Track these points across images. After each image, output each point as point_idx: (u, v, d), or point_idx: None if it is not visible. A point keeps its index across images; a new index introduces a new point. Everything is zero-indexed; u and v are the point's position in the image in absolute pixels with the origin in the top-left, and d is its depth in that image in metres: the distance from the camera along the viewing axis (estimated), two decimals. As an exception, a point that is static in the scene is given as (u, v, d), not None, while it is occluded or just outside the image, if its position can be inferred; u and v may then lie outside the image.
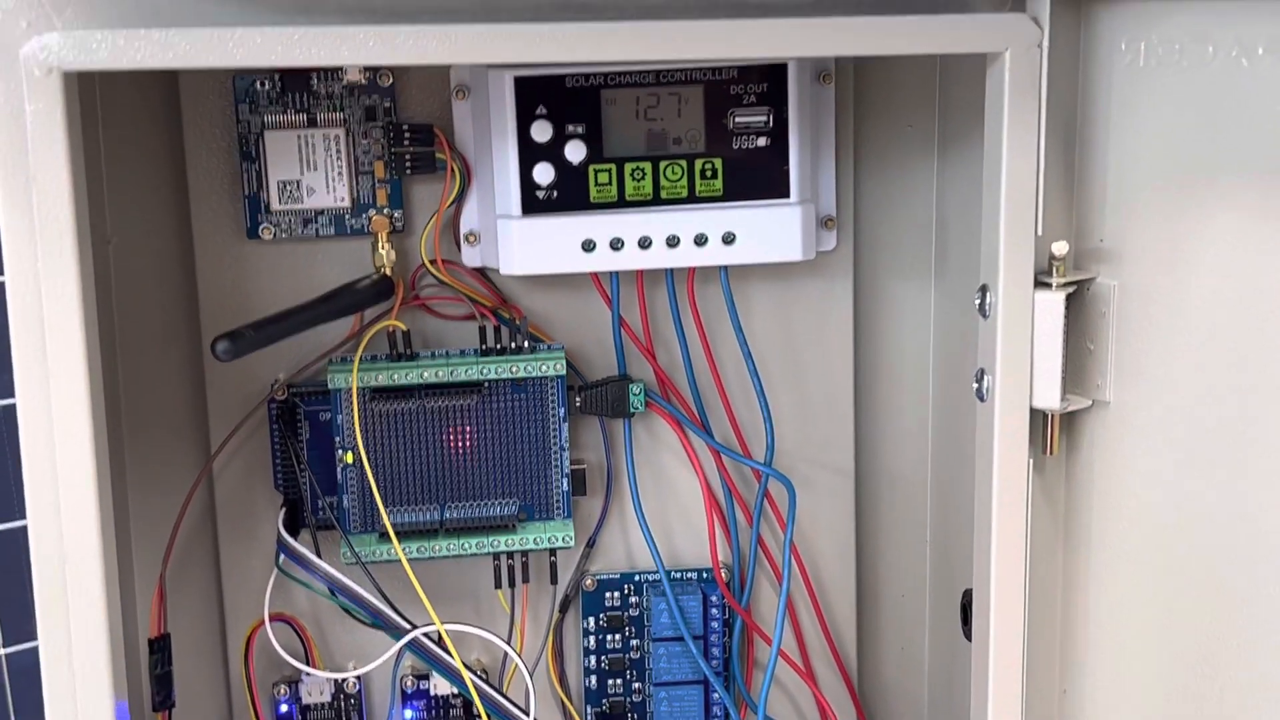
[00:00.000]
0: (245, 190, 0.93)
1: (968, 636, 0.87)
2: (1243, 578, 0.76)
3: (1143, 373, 0.78)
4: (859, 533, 1.04)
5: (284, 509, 0.94)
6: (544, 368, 0.92)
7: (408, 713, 1.00)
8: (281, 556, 0.91)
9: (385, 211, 0.94)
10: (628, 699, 1.03)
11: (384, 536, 0.92)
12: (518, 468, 0.94)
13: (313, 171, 0.93)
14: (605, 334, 0.97)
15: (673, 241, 0.90)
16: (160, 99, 0.92)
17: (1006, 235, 0.77)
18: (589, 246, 0.90)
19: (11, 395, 0.71)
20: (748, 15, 0.73)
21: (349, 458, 0.92)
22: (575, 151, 0.89)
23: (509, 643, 0.95)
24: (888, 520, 1.04)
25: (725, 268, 0.94)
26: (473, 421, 0.93)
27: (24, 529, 0.72)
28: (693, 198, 0.90)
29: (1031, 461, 0.80)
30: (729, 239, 0.91)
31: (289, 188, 0.93)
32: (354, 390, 0.90)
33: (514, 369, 0.92)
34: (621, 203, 0.90)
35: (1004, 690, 0.81)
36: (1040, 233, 0.77)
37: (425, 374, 0.91)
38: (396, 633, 0.90)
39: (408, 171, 0.93)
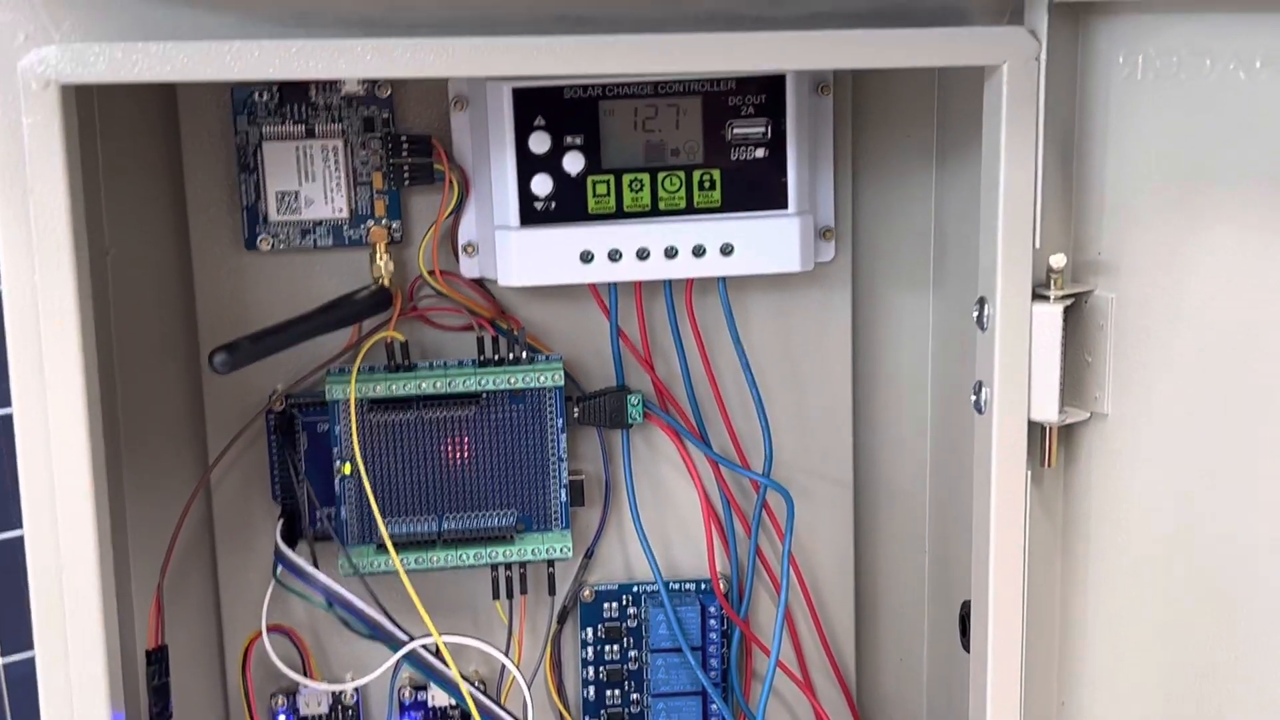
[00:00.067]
0: (243, 201, 0.93)
1: (966, 648, 0.87)
2: (1242, 590, 0.76)
3: (1141, 385, 0.78)
4: (857, 544, 1.04)
5: (281, 520, 0.94)
6: (542, 379, 0.92)
7: (405, 724, 1.00)
8: (279, 567, 0.91)
9: (383, 222, 0.94)
10: (626, 710, 1.03)
11: (382, 548, 0.92)
12: (516, 479, 0.94)
13: (311, 182, 0.93)
14: (603, 345, 0.97)
15: (671, 253, 0.91)
16: (158, 111, 0.92)
17: (1004, 247, 0.77)
18: (587, 258, 0.90)
19: (8, 405, 0.71)
20: (745, 28, 0.73)
21: (347, 469, 0.92)
22: (573, 163, 0.89)
23: (507, 654, 0.95)
24: (886, 531, 1.04)
25: (723, 279, 0.95)
26: (471, 432, 0.93)
27: (21, 539, 0.72)
28: (691, 209, 0.91)
29: (1030, 474, 0.80)
30: (727, 250, 0.91)
31: (287, 199, 0.93)
32: (352, 401, 0.90)
33: (512, 380, 0.92)
34: (620, 214, 0.90)
35: (1002, 702, 0.81)
36: (1038, 245, 0.77)
37: (423, 385, 0.91)
38: (394, 644, 0.89)
39: (406, 183, 0.93)
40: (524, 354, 0.93)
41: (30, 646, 0.73)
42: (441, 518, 0.94)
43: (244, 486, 0.97)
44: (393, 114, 0.93)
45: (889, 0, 0.75)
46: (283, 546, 0.91)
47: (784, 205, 0.91)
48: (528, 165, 0.89)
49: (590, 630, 1.02)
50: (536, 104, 0.88)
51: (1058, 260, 0.78)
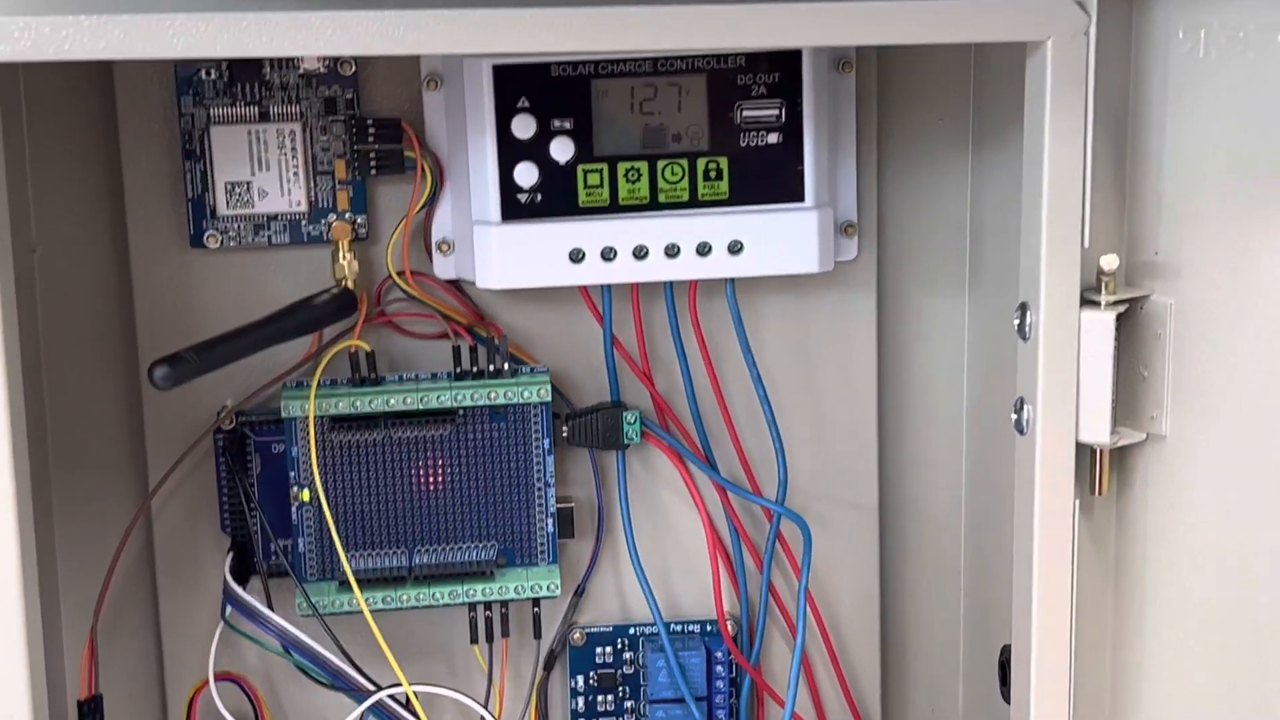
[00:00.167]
0: (188, 193, 0.93)
1: (1006, 698, 0.87)
2: (1318, 633, 0.76)
3: (1203, 402, 0.78)
4: (883, 580, 1.04)
5: (231, 554, 0.94)
6: (526, 393, 0.92)
7: (371, 784, 1.00)
8: (228, 608, 0.91)
9: (347, 217, 0.94)
10: (621, 768, 1.03)
11: (344, 585, 0.92)
12: (497, 507, 0.94)
13: (265, 172, 0.93)
14: (596, 355, 0.97)
15: (672, 251, 0.90)
16: (92, 91, 0.92)
17: (1049, 247, 0.77)
18: (577, 257, 0.90)
19: (-79, 425, 0.71)
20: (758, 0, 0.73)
21: (305, 495, 0.92)
22: (562, 149, 0.89)
23: (486, 705, 0.95)
24: (916, 566, 1.04)
25: (732, 280, 0.95)
26: (446, 454, 0.93)
27: (-64, 577, 0.72)
28: (695, 202, 0.91)
29: (1078, 503, 0.80)
30: (736, 248, 0.91)
31: (238, 190, 0.93)
32: (311, 419, 0.90)
33: (492, 395, 0.92)
34: (614, 207, 0.90)
35: (1047, 760, 0.81)
36: (1087, 244, 0.77)
37: (392, 400, 0.91)
38: (359, 694, 0.89)
39: (372, 172, 0.93)
40: (506, 365, 0.93)
41: (-54, 698, 0.73)
42: (412, 551, 0.94)
43: (189, 516, 0.96)
44: (357, 94, 0.93)
45: (919, -33, 0.75)
46: (232, 584, 0.91)
47: (800, 197, 0.91)
48: (510, 152, 0.89)
49: (581, 678, 1.02)
50: (520, 83, 0.88)
51: (1109, 261, 0.78)
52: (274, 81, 0.92)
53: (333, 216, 0.94)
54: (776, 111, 0.90)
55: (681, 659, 1.00)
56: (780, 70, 0.90)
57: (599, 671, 1.02)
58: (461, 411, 0.93)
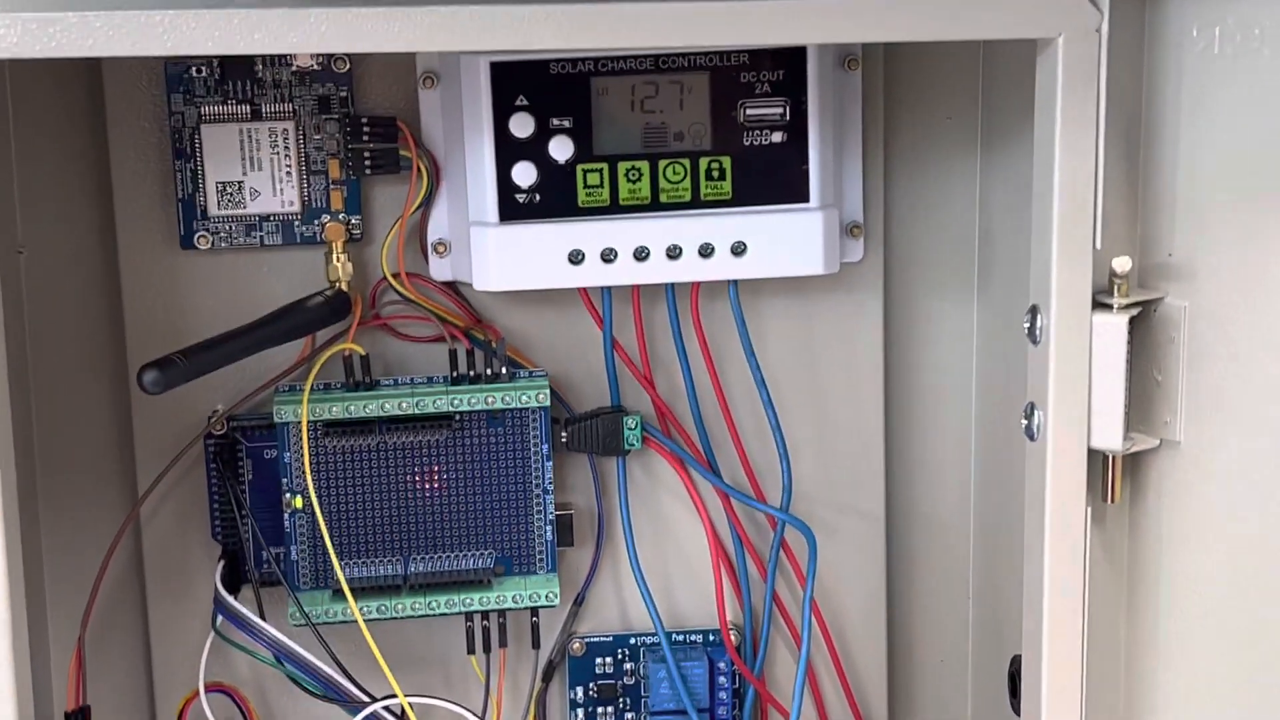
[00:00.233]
0: (179, 193, 0.93)
1: (1016, 710, 0.87)
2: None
3: (1218, 408, 0.78)
4: (890, 589, 1.04)
5: (222, 562, 0.94)
6: (525, 398, 0.92)
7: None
8: (219, 617, 0.91)
9: (341, 217, 0.94)
10: (621, 782, 1.03)
11: (338, 594, 0.92)
12: (494, 514, 0.94)
13: (257, 171, 0.93)
14: (596, 359, 0.97)
15: (674, 252, 0.91)
16: (80, 89, 0.92)
17: (1060, 248, 0.77)
18: (577, 258, 0.90)
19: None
20: (760, -6, 0.73)
21: (298, 502, 0.92)
22: (561, 149, 0.89)
23: (483, 718, 0.95)
24: (924, 575, 1.04)
25: (735, 282, 0.94)
26: (442, 460, 0.93)
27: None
28: (697, 202, 0.91)
29: (1090, 510, 0.80)
30: (739, 249, 0.91)
31: (229, 190, 0.93)
32: (304, 424, 0.90)
33: (490, 399, 0.92)
34: (615, 208, 0.90)
35: (1058, 774, 0.81)
36: (1099, 246, 0.77)
37: (387, 405, 0.91)
38: (353, 706, 0.89)
39: (367, 171, 0.93)
40: (504, 369, 0.93)
41: (-69, 710, 0.73)
42: (408, 559, 0.94)
43: (179, 523, 0.96)
44: (352, 92, 0.93)
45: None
46: (224, 593, 0.91)
47: (805, 198, 0.91)
48: (508, 152, 0.89)
49: (580, 689, 1.02)
50: (518, 80, 0.88)
51: (1122, 264, 0.78)
52: (266, 79, 0.92)
53: (326, 217, 0.94)
54: (781, 110, 0.90)
55: (683, 670, 1.00)
56: (784, 68, 0.90)
57: (599, 683, 1.02)
58: (458, 416, 0.93)
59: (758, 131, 0.90)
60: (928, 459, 1.03)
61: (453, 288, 0.96)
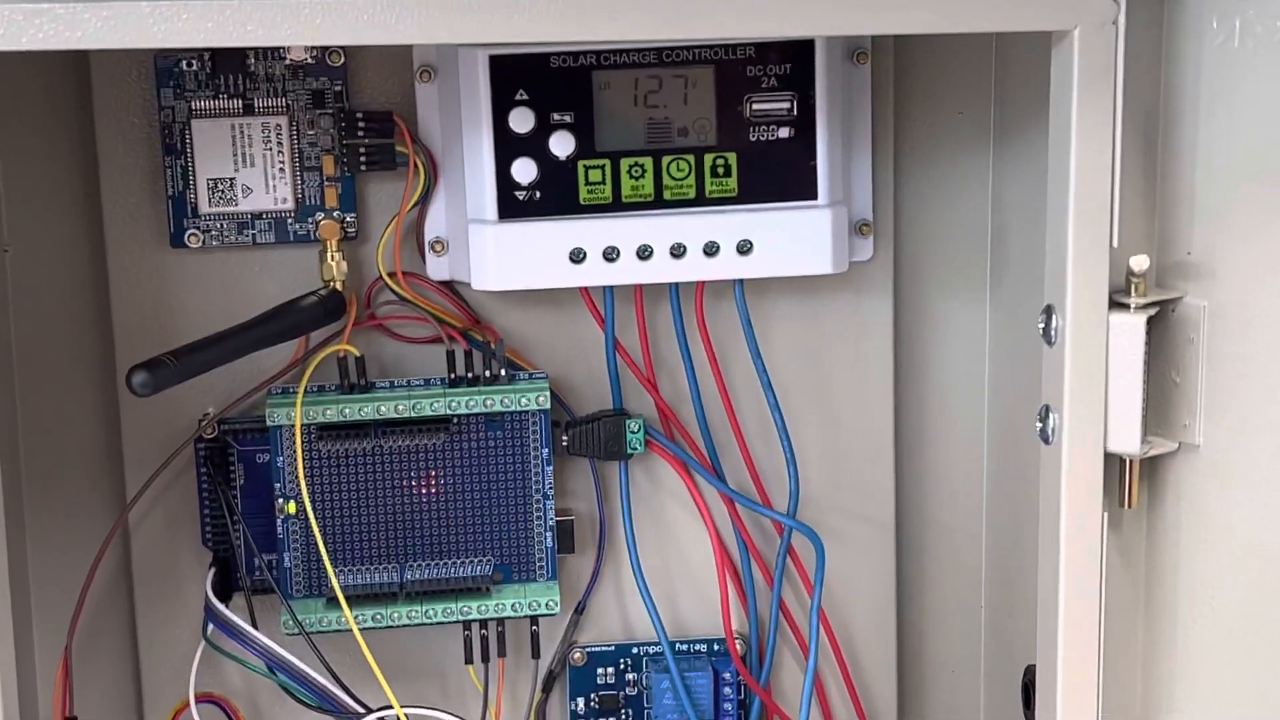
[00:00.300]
0: (169, 190, 0.92)
1: (1030, 723, 0.87)
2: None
3: (1238, 410, 0.78)
4: (900, 597, 1.04)
5: (213, 569, 0.93)
6: (524, 400, 0.92)
7: (361, 812, 1.00)
8: (210, 626, 0.91)
9: (335, 215, 0.94)
10: (624, 795, 1.03)
11: (332, 602, 0.92)
12: (493, 520, 0.94)
13: (249, 167, 0.93)
14: (597, 360, 0.97)
15: (678, 251, 0.90)
16: (67, 83, 0.92)
17: (1076, 247, 0.77)
18: (578, 257, 0.90)
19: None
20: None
21: (291, 508, 0.92)
22: (562, 144, 0.89)
23: (482, 729, 0.95)
24: (934, 582, 1.04)
25: (740, 282, 0.94)
26: (439, 465, 0.93)
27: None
28: (702, 199, 0.90)
29: (1106, 515, 0.80)
30: (745, 248, 0.91)
31: (221, 187, 0.93)
32: (297, 427, 0.90)
33: (488, 402, 0.92)
34: (617, 205, 0.90)
35: (1073, 789, 0.81)
36: (1116, 244, 0.77)
37: (382, 408, 0.91)
38: (347, 717, 0.89)
39: (362, 168, 0.93)
40: (503, 371, 0.93)
41: (-88, 722, 0.73)
42: (404, 566, 0.94)
43: (169, 529, 0.96)
44: (346, 86, 0.93)
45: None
46: (214, 601, 0.91)
47: (812, 195, 0.91)
48: (507, 147, 0.89)
49: (581, 700, 1.02)
50: (518, 74, 0.88)
51: (1139, 262, 0.77)
52: (259, 72, 0.92)
53: (320, 214, 0.94)
54: (788, 105, 0.90)
55: (687, 680, 1.00)
56: (792, 61, 0.90)
57: (600, 693, 1.02)
58: (456, 419, 0.93)
59: (764, 127, 0.90)
60: (939, 463, 1.03)
61: (450, 287, 0.96)
